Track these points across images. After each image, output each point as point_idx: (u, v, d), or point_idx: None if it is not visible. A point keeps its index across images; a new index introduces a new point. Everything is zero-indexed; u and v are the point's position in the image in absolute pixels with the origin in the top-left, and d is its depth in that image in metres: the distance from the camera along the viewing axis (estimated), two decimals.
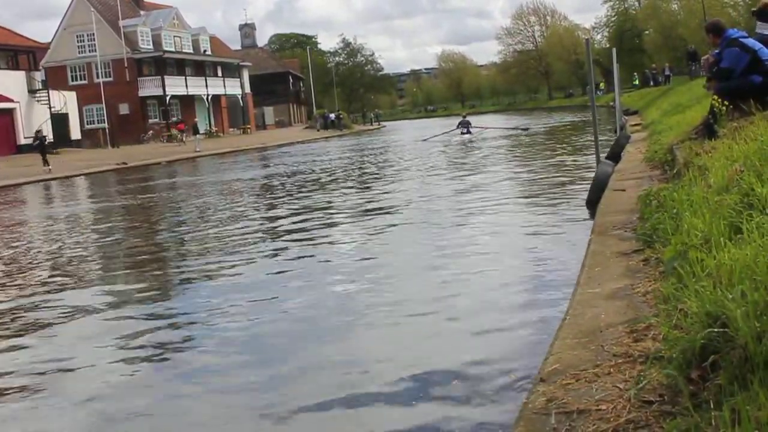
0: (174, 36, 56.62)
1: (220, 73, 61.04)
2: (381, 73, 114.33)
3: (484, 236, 7.98)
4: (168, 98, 52.03)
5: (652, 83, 44.24)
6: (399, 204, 11.37)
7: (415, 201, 11.68)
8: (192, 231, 10.43)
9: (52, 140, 39.64)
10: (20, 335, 5.52)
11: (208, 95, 57.23)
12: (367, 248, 7.94)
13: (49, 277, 7.86)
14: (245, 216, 11.66)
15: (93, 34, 50.34)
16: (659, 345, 2.54)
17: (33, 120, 39.48)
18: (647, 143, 11.46)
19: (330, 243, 8.49)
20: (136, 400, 4.03)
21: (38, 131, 31.11)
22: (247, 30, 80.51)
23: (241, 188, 17.11)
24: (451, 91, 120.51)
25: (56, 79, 48.12)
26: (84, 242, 10.27)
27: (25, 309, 6.36)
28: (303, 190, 15.30)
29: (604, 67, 63.57)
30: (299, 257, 7.67)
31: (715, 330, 2.14)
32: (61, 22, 53.66)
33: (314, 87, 77.15)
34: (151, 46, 53.61)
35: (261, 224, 10.66)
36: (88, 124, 49.36)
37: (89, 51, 51.41)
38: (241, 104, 64.32)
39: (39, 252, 9.74)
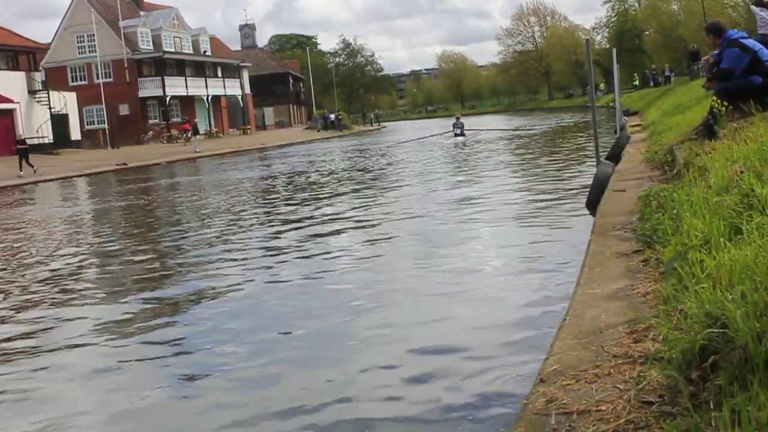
0: (174, 36, 56.63)
1: (220, 74, 61.04)
2: (381, 73, 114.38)
3: (484, 231, 7.97)
4: (168, 99, 52.04)
5: (652, 84, 44.22)
6: (396, 208, 11.22)
7: (416, 202, 11.67)
8: (186, 236, 10.37)
9: (52, 141, 39.71)
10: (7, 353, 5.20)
11: (208, 96, 57.24)
12: (361, 254, 7.84)
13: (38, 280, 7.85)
14: (242, 219, 11.63)
15: (93, 34, 50.32)
16: (659, 345, 2.54)
17: (33, 121, 39.43)
18: (647, 144, 11.45)
19: (324, 256, 7.73)
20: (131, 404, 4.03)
21: (20, 137, 30.74)
22: (247, 30, 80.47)
23: (241, 189, 17.10)
24: (451, 91, 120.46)
25: (56, 79, 48.10)
26: (81, 245, 10.25)
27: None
28: (302, 194, 15.26)
29: (604, 67, 63.57)
30: (298, 278, 6.84)
31: (715, 330, 2.14)
32: (61, 23, 53.68)
33: (314, 87, 77.16)
34: (151, 47, 53.63)
35: (259, 230, 10.63)
36: (88, 124, 49.32)
37: (89, 51, 51.41)
38: (241, 105, 64.32)
39: (29, 255, 9.62)
